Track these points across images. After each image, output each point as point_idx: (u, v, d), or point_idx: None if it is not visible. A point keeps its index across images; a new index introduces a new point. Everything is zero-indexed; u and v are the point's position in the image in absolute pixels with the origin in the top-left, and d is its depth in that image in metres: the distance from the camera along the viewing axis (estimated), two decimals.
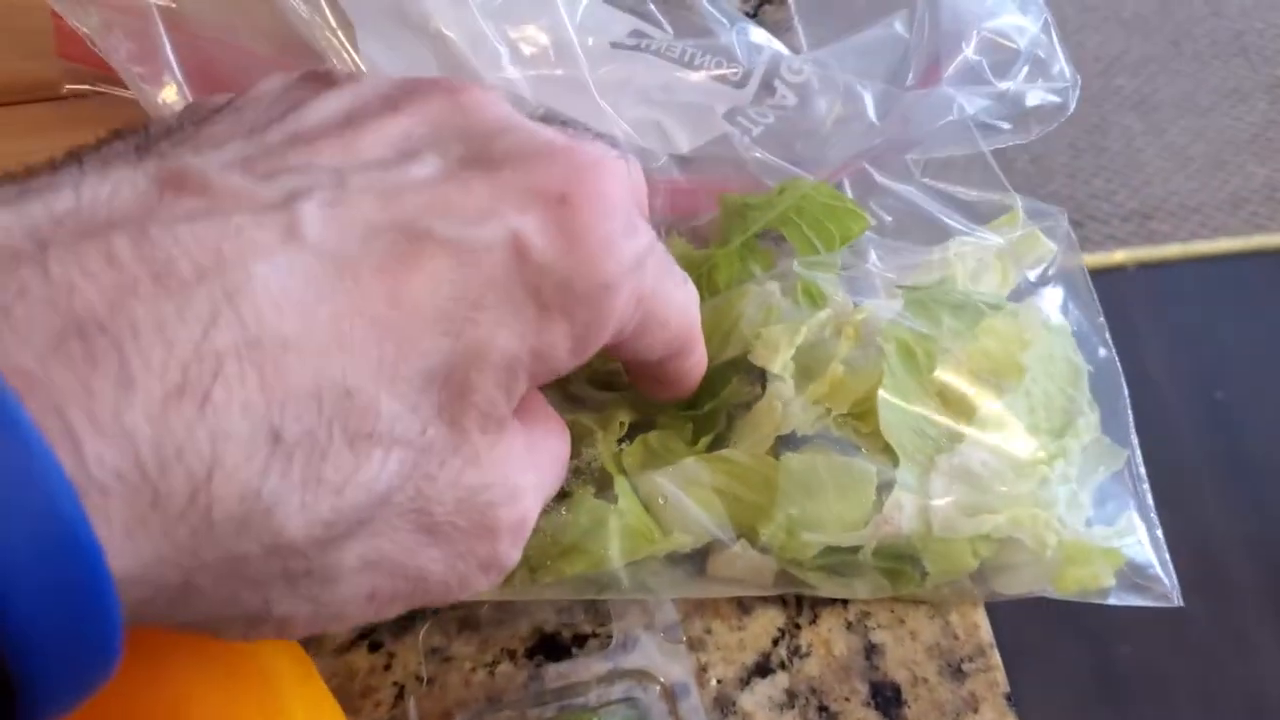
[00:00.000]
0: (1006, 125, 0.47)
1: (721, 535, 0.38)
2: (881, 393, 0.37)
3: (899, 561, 0.39)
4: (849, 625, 0.41)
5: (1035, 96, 0.47)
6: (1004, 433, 0.39)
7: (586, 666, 0.39)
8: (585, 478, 0.38)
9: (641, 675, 0.38)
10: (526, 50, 0.43)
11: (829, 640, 0.40)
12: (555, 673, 0.39)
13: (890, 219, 0.46)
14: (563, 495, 0.39)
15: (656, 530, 0.38)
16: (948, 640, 0.40)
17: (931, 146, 0.47)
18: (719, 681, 0.39)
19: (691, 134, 0.46)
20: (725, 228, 0.45)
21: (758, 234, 0.45)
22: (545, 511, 0.38)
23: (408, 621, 0.40)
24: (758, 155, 0.46)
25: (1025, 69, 0.47)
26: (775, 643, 0.40)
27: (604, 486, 0.39)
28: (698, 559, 0.40)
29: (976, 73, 0.46)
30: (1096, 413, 0.41)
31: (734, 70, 0.47)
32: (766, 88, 0.47)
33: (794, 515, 0.38)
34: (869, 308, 0.41)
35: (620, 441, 0.40)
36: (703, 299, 0.42)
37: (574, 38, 0.42)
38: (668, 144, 0.45)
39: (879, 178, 0.46)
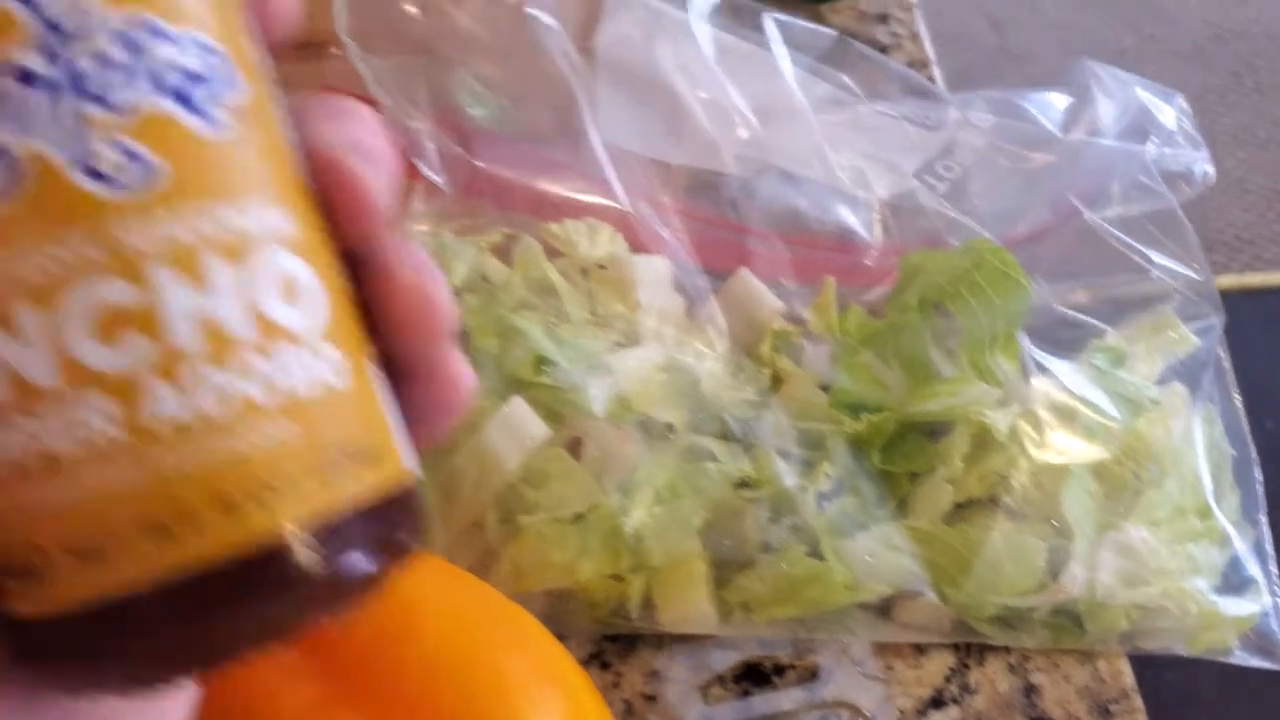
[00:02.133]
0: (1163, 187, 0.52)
1: (920, 588, 0.44)
2: (1071, 480, 0.44)
3: (1063, 620, 0.45)
4: (1011, 668, 0.47)
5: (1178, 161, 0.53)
6: (1161, 513, 0.45)
7: (789, 695, 0.45)
8: (799, 536, 0.45)
9: (842, 705, 0.44)
10: (752, 107, 0.49)
11: (994, 680, 0.47)
12: (761, 699, 0.45)
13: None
14: (769, 548, 0.45)
15: (857, 582, 0.44)
16: (1096, 684, 0.47)
17: (1108, 202, 0.51)
18: (900, 713, 0.46)
19: (887, 184, 0.51)
20: (903, 288, 0.51)
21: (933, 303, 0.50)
22: (756, 562, 0.45)
23: (630, 645, 0.47)
24: (943, 210, 0.51)
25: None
26: (947, 680, 0.46)
27: (812, 543, 0.45)
28: (885, 606, 0.46)
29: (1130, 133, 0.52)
30: (1237, 494, 0.47)
31: (921, 129, 0.52)
32: (950, 148, 0.52)
33: (977, 579, 0.44)
34: (1044, 389, 0.47)
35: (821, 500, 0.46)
36: (887, 362, 0.49)
37: (798, 94, 0.48)
38: (869, 191, 0.50)
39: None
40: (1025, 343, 0.47)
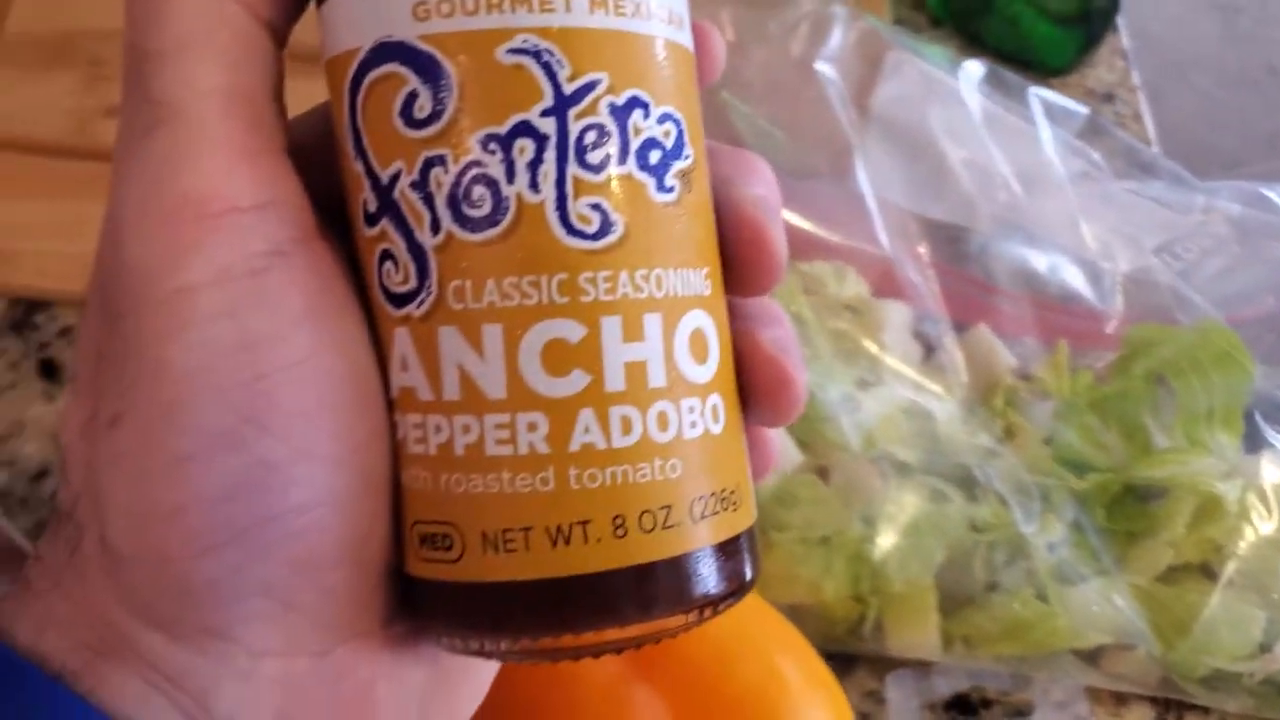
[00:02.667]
0: None
1: (1138, 642, 0.47)
2: None
3: (1269, 689, 0.48)
4: None
5: None
6: None
7: None
8: (1029, 580, 0.47)
9: None
10: (1013, 173, 0.52)
11: None
12: None
13: None
14: (994, 587, 0.48)
15: (1079, 629, 0.47)
16: None
17: None
18: None
19: (1128, 258, 0.54)
20: (1130, 358, 0.53)
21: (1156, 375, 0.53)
22: (981, 599, 0.47)
23: (849, 664, 0.50)
24: (1177, 288, 0.54)
25: None
26: None
27: (1039, 588, 0.47)
28: (1094, 654, 0.49)
29: None
30: None
31: (1168, 210, 0.55)
32: (1193, 231, 0.55)
33: (1193, 640, 0.46)
34: (1270, 466, 0.49)
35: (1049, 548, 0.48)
36: (1107, 425, 0.51)
37: (1058, 165, 0.51)
38: (1112, 262, 0.53)
39: None
40: (1258, 420, 0.49)
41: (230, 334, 0.20)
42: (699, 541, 0.22)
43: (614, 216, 0.21)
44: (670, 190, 0.22)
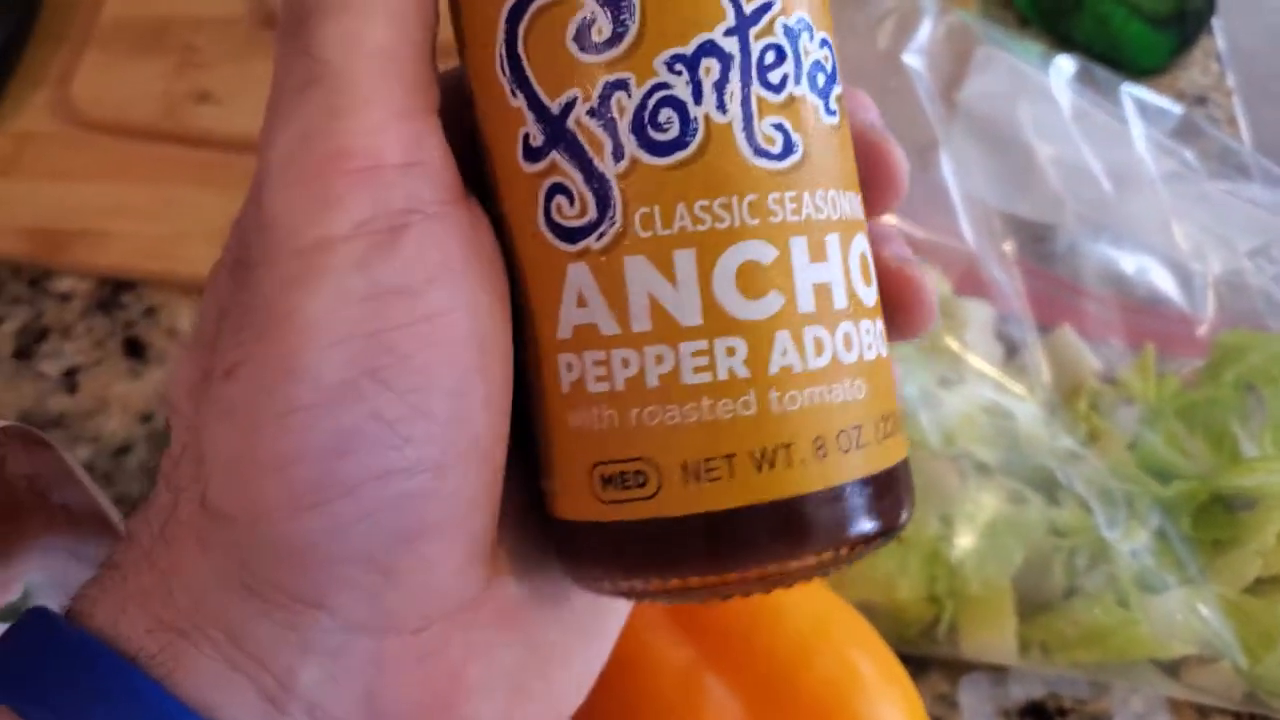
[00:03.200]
0: None
1: (1223, 654, 0.46)
2: None
3: None
4: None
5: None
6: None
7: None
8: (1110, 586, 0.46)
9: None
10: (1103, 171, 0.51)
11: None
12: None
13: None
14: (1072, 592, 0.47)
15: (1162, 638, 0.46)
16: None
17: None
18: None
19: (1220, 260, 0.52)
20: (1219, 364, 0.52)
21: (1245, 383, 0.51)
22: (1058, 604, 0.46)
23: (922, 667, 0.49)
24: (1270, 293, 0.52)
25: None
26: None
27: (1120, 594, 0.46)
28: (1174, 665, 0.48)
29: None
30: None
31: (1265, 211, 0.54)
32: None
33: None
34: None
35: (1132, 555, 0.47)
36: (1193, 432, 0.50)
37: (1149, 163, 0.50)
38: (1204, 264, 0.52)
39: None
40: None
41: (360, 285, 0.20)
42: (886, 461, 0.22)
43: (795, 137, 0.21)
44: (834, 114, 0.22)
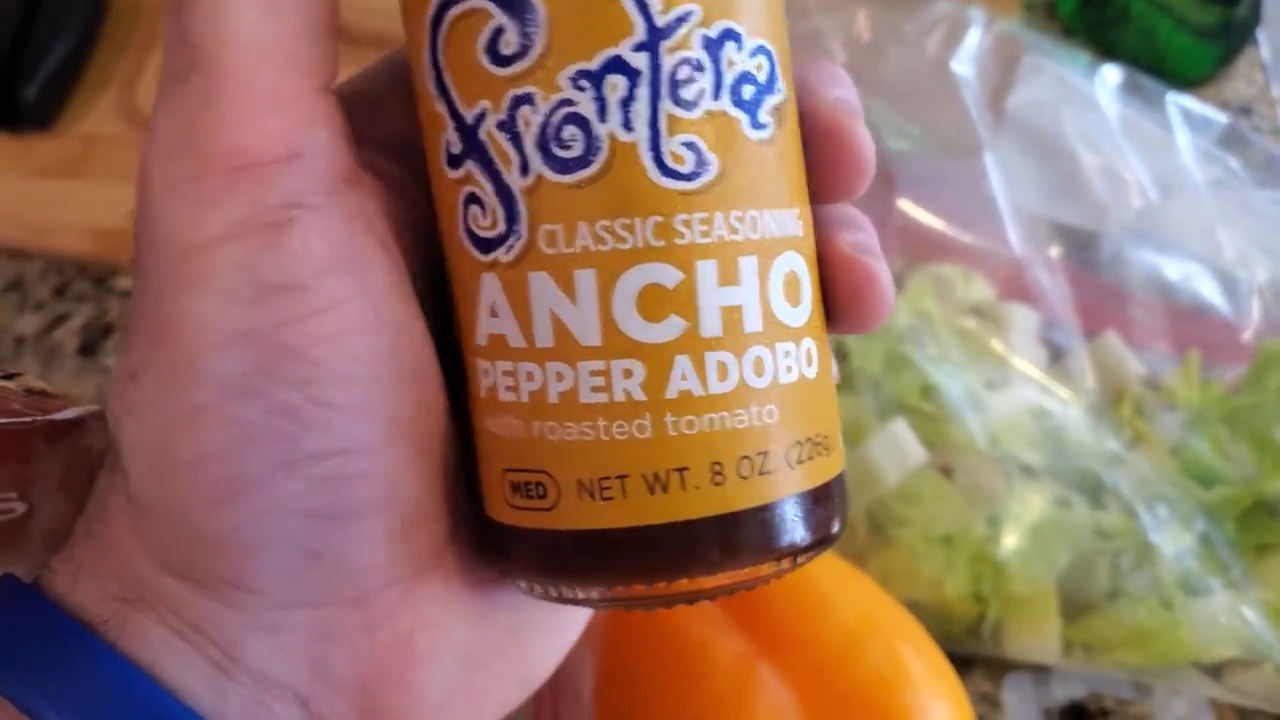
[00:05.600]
0: None
1: (1269, 658, 0.46)
2: None
3: None
4: None
5: None
6: None
7: None
8: (1155, 589, 0.47)
9: None
10: (1149, 179, 0.52)
11: None
12: None
13: None
14: (1116, 594, 0.47)
15: (1206, 641, 0.46)
16: None
17: None
18: None
19: (1267, 268, 0.53)
20: (1262, 371, 0.52)
21: None
22: (1103, 606, 0.47)
23: (966, 666, 0.49)
24: None
25: None
26: None
27: (1164, 597, 0.47)
28: (1216, 667, 0.48)
29: None
30: None
31: None
32: None
33: None
34: None
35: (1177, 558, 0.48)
36: (1236, 438, 0.51)
37: (1195, 172, 0.50)
38: (1249, 272, 0.52)
39: None
40: None
41: (244, 285, 0.20)
42: (794, 487, 0.22)
43: (708, 156, 0.21)
44: (763, 127, 0.22)
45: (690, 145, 0.20)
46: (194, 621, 0.21)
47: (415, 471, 0.22)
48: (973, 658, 0.49)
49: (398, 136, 0.23)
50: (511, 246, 0.21)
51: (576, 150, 0.20)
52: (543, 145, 0.20)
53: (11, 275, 0.60)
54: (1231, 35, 0.65)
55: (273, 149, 0.20)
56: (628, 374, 0.20)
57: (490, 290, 0.21)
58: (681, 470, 0.21)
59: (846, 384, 0.50)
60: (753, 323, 0.21)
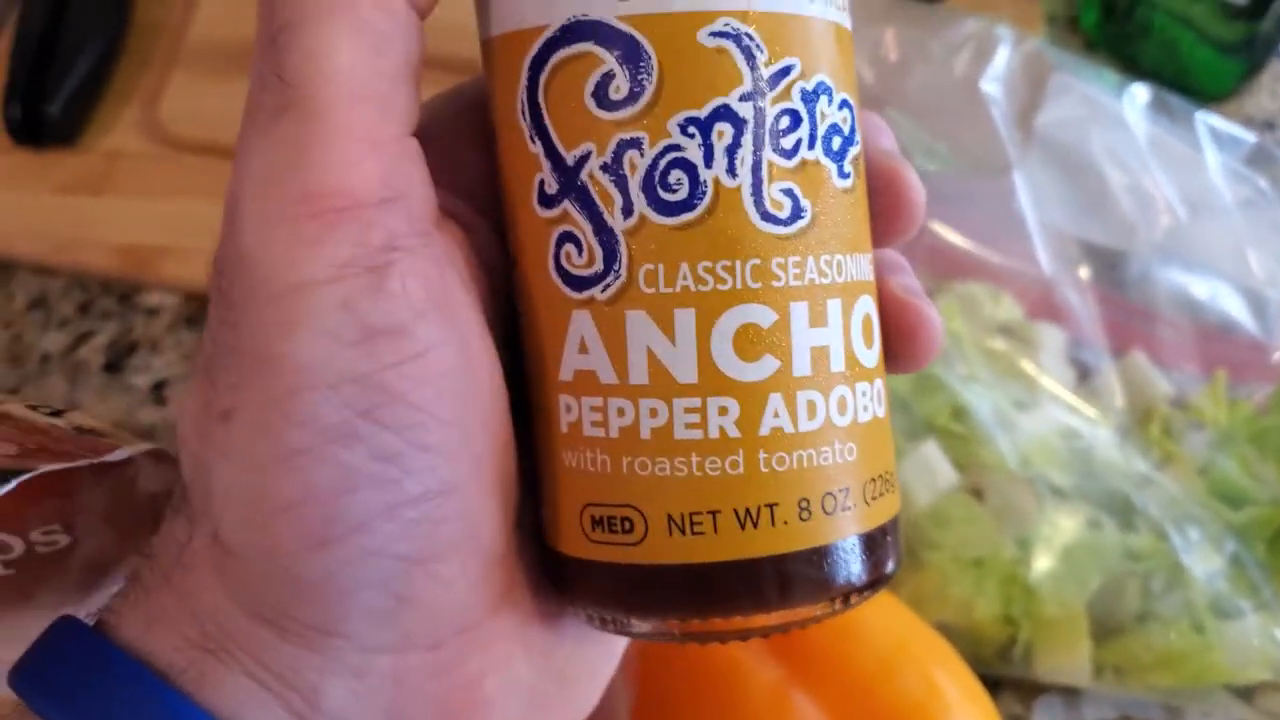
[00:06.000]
0: None
1: None
2: None
3: None
4: None
5: None
6: None
7: None
8: (1185, 611, 0.47)
9: None
10: (1177, 198, 0.52)
11: None
12: None
13: None
14: (1146, 616, 0.47)
15: (1238, 664, 0.46)
16: None
17: None
18: None
19: None
20: None
21: None
22: (1132, 628, 0.47)
23: (994, 687, 0.49)
24: None
25: None
26: None
27: (1194, 619, 0.47)
28: (1247, 690, 0.48)
29: None
30: None
31: None
32: None
33: None
34: None
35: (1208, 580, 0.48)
36: (1265, 458, 0.50)
37: (1224, 191, 0.50)
38: (1278, 292, 0.52)
39: None
40: None
41: (348, 328, 0.20)
42: (872, 522, 0.23)
43: (804, 202, 0.22)
44: (847, 176, 0.23)
45: (788, 192, 0.21)
46: (278, 669, 0.21)
47: (491, 511, 0.22)
48: (1003, 680, 0.49)
49: (469, 178, 0.24)
50: (609, 285, 0.21)
51: (681, 194, 0.21)
52: (648, 188, 0.21)
53: (36, 292, 0.60)
54: (1255, 50, 0.65)
55: (373, 192, 0.20)
56: (723, 411, 0.21)
57: (581, 327, 0.22)
58: (772, 506, 0.21)
59: None
60: (837, 363, 0.22)
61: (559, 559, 0.23)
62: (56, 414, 0.27)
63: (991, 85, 0.50)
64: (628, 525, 0.22)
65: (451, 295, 0.21)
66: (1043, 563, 0.46)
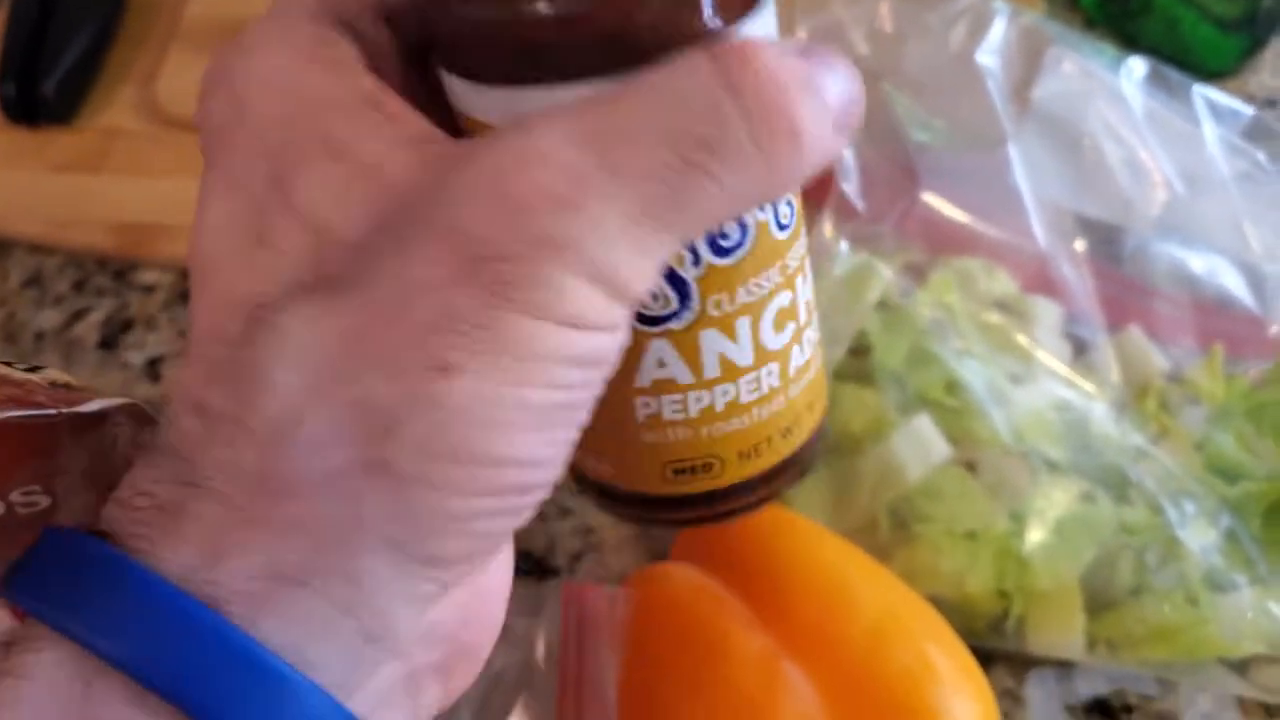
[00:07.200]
0: None
1: None
2: None
3: None
4: None
5: None
6: None
7: None
8: (1180, 584, 0.46)
9: None
10: (1174, 173, 0.51)
11: None
12: None
13: None
14: (1140, 590, 0.47)
15: (1233, 637, 0.46)
16: None
17: None
18: None
19: None
20: None
21: None
22: (1127, 602, 0.47)
23: (987, 661, 0.49)
24: None
25: None
26: None
27: (1189, 593, 0.47)
28: (1242, 663, 0.48)
29: None
30: None
31: None
32: None
33: None
34: None
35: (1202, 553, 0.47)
36: (1261, 433, 0.50)
37: (1221, 165, 0.50)
38: (1276, 267, 0.52)
39: None
40: None
41: None
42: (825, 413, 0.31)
43: (795, 205, 0.27)
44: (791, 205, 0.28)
45: (789, 203, 0.27)
46: (365, 595, 0.21)
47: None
48: (996, 653, 0.49)
49: None
50: (683, 318, 0.26)
51: (734, 239, 0.25)
52: (711, 243, 0.25)
53: (31, 270, 0.60)
54: (1257, 27, 0.65)
55: None
56: (770, 373, 0.27)
57: (659, 351, 0.26)
58: (798, 416, 0.29)
59: (869, 379, 0.49)
60: (805, 317, 0.28)
61: (631, 496, 0.30)
62: (32, 369, 0.27)
63: (988, 58, 0.50)
64: (709, 468, 0.29)
65: None
66: (1036, 536, 0.46)
